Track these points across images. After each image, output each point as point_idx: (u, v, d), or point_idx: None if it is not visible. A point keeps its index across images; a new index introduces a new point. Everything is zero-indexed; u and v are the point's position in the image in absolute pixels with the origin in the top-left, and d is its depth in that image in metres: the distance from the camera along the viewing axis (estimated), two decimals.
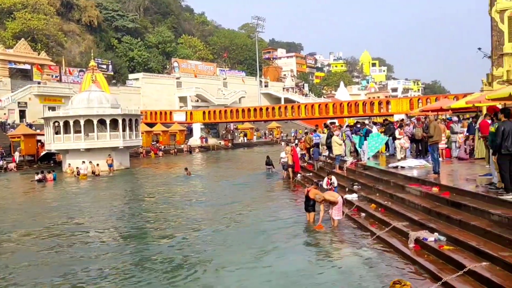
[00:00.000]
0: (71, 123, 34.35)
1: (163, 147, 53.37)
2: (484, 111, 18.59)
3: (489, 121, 12.69)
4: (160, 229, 14.34)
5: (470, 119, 19.86)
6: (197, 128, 61.03)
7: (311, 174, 23.11)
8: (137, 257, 11.10)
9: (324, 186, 15.57)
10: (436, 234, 9.53)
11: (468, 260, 8.03)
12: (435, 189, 12.02)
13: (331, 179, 15.54)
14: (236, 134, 68.99)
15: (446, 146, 18.25)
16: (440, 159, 15.32)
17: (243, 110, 57.81)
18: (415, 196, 12.68)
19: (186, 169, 29.75)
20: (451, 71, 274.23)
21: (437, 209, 10.83)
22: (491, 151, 10.47)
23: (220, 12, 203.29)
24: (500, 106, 15.37)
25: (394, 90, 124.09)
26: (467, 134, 17.76)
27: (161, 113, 62.28)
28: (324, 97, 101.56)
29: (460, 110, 25.45)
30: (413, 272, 8.69)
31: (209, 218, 15.84)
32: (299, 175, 23.49)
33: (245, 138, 68.13)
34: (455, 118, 20.01)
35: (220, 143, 61.83)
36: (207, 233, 13.28)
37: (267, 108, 56.93)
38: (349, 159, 20.66)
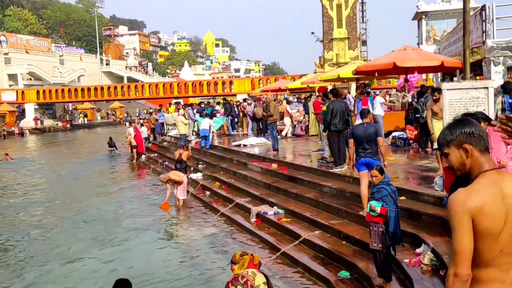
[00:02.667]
0: None
1: None
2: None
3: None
4: None
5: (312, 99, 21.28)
6: (30, 108, 55.98)
7: (156, 154, 22.78)
8: None
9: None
10: (275, 208, 10.05)
11: (303, 230, 8.62)
12: (274, 165, 12.68)
13: None
14: (75, 114, 65.00)
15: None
16: (279, 136, 16.18)
17: (82, 90, 54.58)
18: (256, 172, 13.23)
19: (6, 154, 26.39)
20: (289, 53, 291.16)
21: (276, 184, 11.44)
22: (322, 127, 11.33)
23: None
24: (330, 87, 16.71)
25: (237, 70, 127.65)
26: (304, 113, 19.02)
27: None
28: (168, 77, 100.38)
29: (296, 90, 27.17)
30: (255, 245, 9.06)
31: (36, 216, 12.94)
32: (143, 156, 22.99)
33: (85, 118, 64.49)
34: (290, 98, 21.29)
35: (57, 124, 57.66)
36: (31, 237, 10.82)
37: (108, 88, 54.55)
38: (194, 139, 20.80)
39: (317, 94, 15.80)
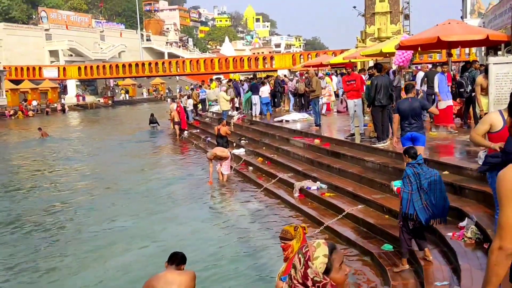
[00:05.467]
0: None
1: (36, 105, 47.67)
2: (359, 67, 19.87)
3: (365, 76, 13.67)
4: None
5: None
6: (72, 85, 57.17)
7: (198, 130, 23.22)
8: None
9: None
10: (318, 182, 10.24)
11: (346, 204, 8.80)
12: (317, 141, 12.84)
13: None
14: (116, 91, 66.22)
15: (327, 100, 19.33)
16: (323, 111, 16.24)
17: (123, 66, 55.41)
18: (299, 148, 13.43)
19: (39, 129, 25.68)
20: (330, 28, 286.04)
21: (319, 159, 11.61)
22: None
23: None
24: (372, 62, 16.56)
25: (277, 45, 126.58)
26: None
27: (28, 68, 56.29)
28: (209, 52, 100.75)
29: (338, 65, 26.95)
30: (299, 219, 9.27)
31: (76, 197, 12.74)
32: (185, 132, 23.45)
33: (127, 95, 65.63)
34: (320, 74, 21.15)
35: (99, 100, 58.80)
36: (81, 211, 11.21)
37: (149, 63, 55.24)
38: (236, 115, 21.10)
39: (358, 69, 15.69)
